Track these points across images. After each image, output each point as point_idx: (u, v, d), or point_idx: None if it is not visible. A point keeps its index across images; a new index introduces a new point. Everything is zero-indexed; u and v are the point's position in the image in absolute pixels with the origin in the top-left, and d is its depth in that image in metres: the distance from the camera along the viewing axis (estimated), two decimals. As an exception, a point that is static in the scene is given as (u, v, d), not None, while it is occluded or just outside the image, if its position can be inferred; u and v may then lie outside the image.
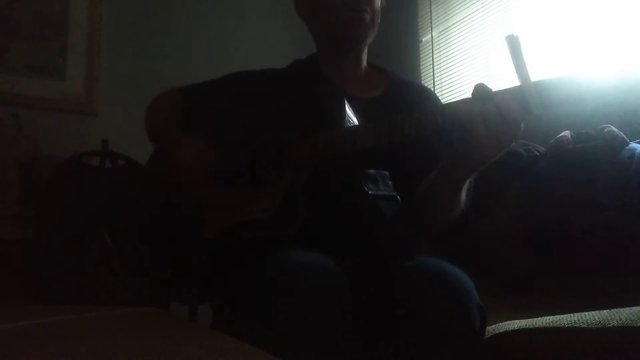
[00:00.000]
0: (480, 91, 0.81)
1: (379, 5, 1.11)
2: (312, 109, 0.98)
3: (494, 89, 0.82)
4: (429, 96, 1.22)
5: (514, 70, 0.79)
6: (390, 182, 1.02)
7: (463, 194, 0.94)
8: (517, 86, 0.80)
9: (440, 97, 1.35)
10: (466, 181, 0.91)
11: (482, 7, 2.32)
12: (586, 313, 0.87)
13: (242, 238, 0.94)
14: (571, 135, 1.54)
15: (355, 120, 0.96)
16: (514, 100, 0.78)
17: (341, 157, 0.91)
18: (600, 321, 0.82)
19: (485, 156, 0.84)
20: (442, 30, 2.57)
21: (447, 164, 0.90)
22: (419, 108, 1.01)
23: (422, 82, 2.60)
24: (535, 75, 0.79)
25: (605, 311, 0.86)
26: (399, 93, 1.15)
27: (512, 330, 0.88)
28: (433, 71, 2.57)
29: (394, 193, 1.01)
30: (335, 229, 0.95)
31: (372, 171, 1.00)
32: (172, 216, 1.05)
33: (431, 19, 2.62)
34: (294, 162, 0.95)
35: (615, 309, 0.87)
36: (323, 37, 1.16)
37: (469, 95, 0.83)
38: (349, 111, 0.95)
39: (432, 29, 2.62)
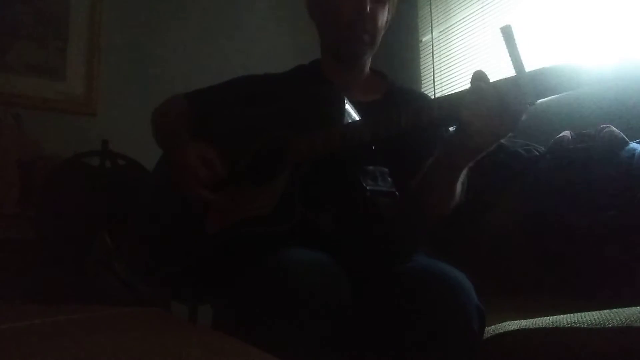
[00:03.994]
0: (478, 79, 0.81)
1: (383, 23, 1.14)
2: (313, 108, 1.00)
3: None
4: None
5: (510, 60, 0.79)
6: (389, 179, 1.02)
7: (458, 187, 0.94)
8: (512, 76, 0.80)
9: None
10: (463, 169, 0.92)
11: (482, 7, 2.31)
12: (586, 313, 0.87)
13: (241, 235, 0.95)
14: (571, 135, 1.53)
15: (356, 118, 0.97)
16: (509, 90, 0.78)
17: (340, 153, 0.92)
18: (600, 321, 0.82)
19: (480, 144, 0.84)
20: (442, 30, 2.57)
21: (443, 152, 0.91)
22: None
23: (422, 82, 2.61)
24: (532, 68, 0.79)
25: (605, 311, 0.86)
26: (398, 97, 1.18)
27: (512, 330, 0.88)
28: (433, 71, 2.57)
29: (393, 189, 1.01)
30: (334, 226, 0.95)
31: (371, 167, 1.00)
32: (174, 215, 1.07)
33: (431, 19, 2.62)
34: (293, 159, 0.96)
35: (615, 309, 0.87)
36: (326, 48, 1.20)
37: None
38: (350, 109, 0.96)
39: (432, 29, 2.61)
